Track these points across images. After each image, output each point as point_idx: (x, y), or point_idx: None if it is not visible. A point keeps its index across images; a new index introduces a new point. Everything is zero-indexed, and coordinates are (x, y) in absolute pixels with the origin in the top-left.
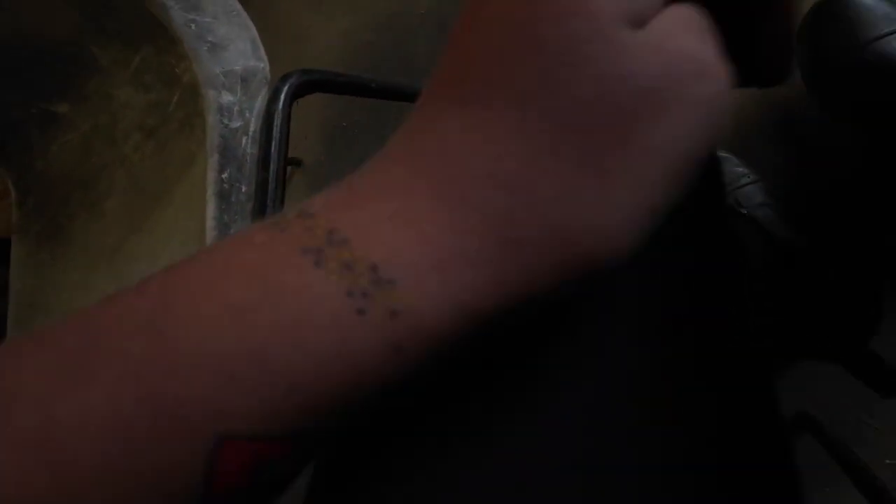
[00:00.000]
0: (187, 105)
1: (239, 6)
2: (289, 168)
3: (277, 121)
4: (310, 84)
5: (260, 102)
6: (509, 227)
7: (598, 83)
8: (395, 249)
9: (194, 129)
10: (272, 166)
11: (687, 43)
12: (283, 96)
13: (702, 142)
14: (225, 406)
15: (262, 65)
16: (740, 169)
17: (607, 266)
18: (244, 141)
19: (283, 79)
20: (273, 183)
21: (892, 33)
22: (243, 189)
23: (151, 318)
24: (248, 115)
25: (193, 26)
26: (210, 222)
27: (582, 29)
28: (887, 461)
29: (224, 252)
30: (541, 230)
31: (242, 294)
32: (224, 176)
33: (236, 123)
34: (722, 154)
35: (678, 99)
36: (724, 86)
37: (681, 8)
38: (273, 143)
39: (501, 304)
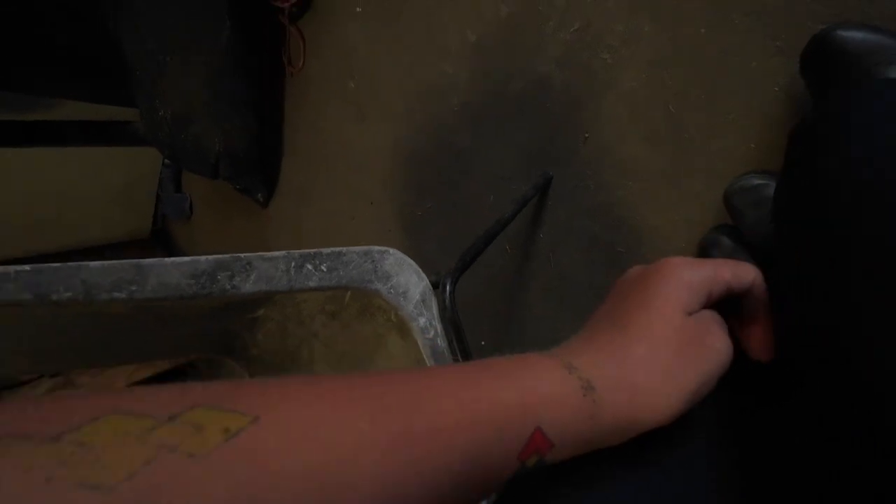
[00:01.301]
0: (361, 300)
1: (403, 255)
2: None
3: (456, 320)
4: (458, 277)
5: (435, 308)
6: (605, 386)
7: (663, 333)
8: (594, 377)
9: (375, 317)
10: (457, 352)
11: (711, 324)
12: (448, 303)
13: (716, 369)
14: (545, 417)
15: (424, 282)
16: None
17: (656, 426)
18: (438, 341)
19: (442, 287)
20: (460, 357)
21: None
22: None
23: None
24: (434, 322)
25: (392, 291)
26: None
27: (662, 315)
28: None
29: (528, 363)
30: (620, 392)
31: (535, 383)
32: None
33: (430, 333)
34: None
35: (704, 346)
36: (725, 346)
37: (708, 312)
38: (452, 340)
39: (586, 432)
